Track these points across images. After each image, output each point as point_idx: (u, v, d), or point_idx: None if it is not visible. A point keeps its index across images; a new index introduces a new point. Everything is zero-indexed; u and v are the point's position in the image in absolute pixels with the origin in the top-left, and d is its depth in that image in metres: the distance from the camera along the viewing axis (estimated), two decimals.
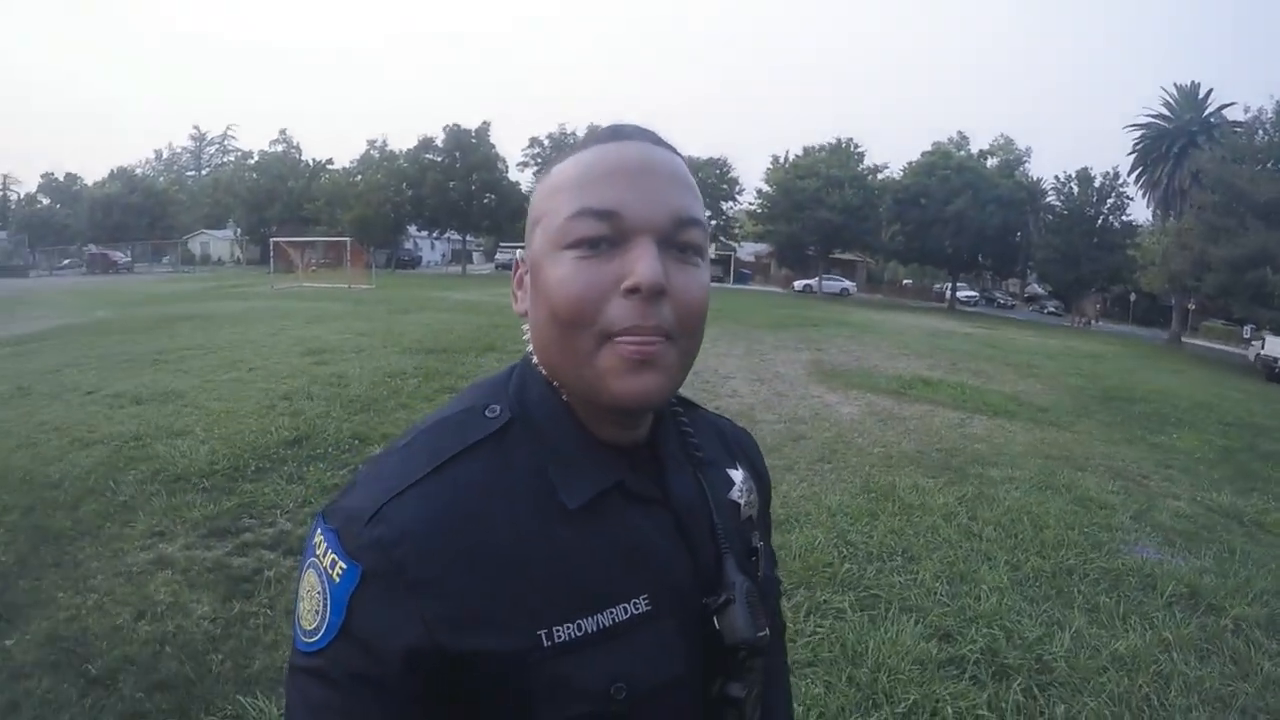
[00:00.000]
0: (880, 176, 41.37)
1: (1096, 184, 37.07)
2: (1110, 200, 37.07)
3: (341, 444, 5.62)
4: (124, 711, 2.54)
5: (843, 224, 38.42)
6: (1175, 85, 42.85)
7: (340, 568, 0.56)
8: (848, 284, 44.90)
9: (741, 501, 0.75)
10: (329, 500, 0.63)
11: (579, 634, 0.58)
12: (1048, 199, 39.20)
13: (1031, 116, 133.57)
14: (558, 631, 0.57)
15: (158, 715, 2.54)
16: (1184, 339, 31.57)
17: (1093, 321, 37.20)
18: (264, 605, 3.27)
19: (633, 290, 0.57)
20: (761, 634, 0.65)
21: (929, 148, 40.92)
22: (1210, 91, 41.71)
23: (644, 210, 0.59)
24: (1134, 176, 42.90)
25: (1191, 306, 33.30)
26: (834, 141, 41.99)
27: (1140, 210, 44.04)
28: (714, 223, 44.84)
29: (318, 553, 0.59)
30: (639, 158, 0.62)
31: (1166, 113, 42.70)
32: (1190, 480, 6.30)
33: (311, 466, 5.11)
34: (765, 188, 42.44)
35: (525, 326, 0.68)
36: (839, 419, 7.59)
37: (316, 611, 0.57)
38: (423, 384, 7.98)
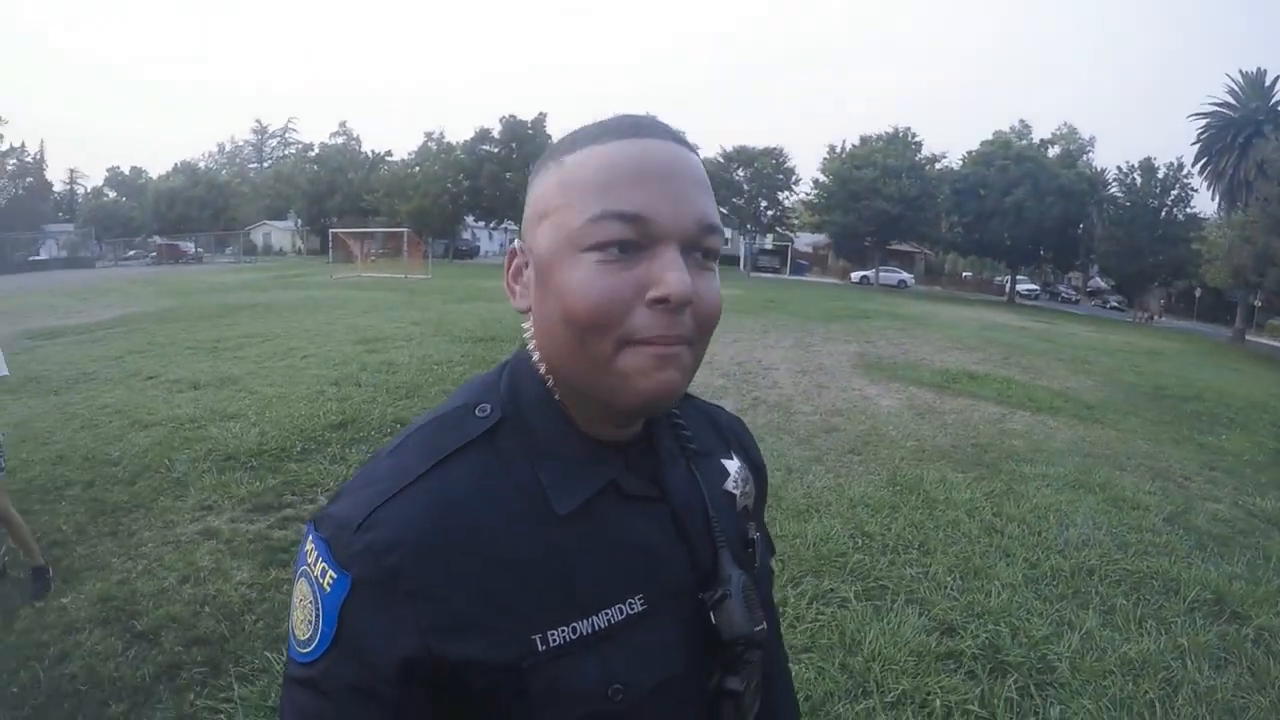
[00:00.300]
0: (938, 166, 40.41)
1: (1160, 175, 35.52)
2: (1174, 192, 35.46)
3: (384, 428, 5.88)
4: (163, 662, 2.81)
5: (900, 214, 37.67)
6: (1241, 72, 40.62)
7: (330, 577, 0.55)
8: (905, 276, 43.99)
9: (737, 492, 0.74)
10: (319, 508, 0.62)
11: (573, 637, 0.57)
12: (1110, 190, 37.77)
13: (1097, 103, 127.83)
14: (552, 635, 0.57)
15: (193, 666, 2.80)
16: (1248, 336, 29.97)
17: (1155, 317, 35.78)
18: None
19: (660, 301, 0.56)
20: (759, 628, 0.65)
21: (989, 136, 39.91)
22: (1277, 79, 39.37)
23: (671, 215, 0.57)
24: (1198, 167, 40.75)
25: (1257, 303, 31.72)
26: (891, 131, 41.13)
27: (1205, 202, 42.01)
28: (770, 213, 44.43)
29: (309, 561, 0.58)
30: (665, 159, 0.59)
31: (1232, 101, 40.53)
32: (1234, 483, 6.08)
33: (354, 448, 5.38)
34: (822, 178, 41.63)
35: (526, 325, 0.65)
36: (876, 411, 7.56)
37: (309, 621, 0.56)
38: (468, 371, 8.21)
